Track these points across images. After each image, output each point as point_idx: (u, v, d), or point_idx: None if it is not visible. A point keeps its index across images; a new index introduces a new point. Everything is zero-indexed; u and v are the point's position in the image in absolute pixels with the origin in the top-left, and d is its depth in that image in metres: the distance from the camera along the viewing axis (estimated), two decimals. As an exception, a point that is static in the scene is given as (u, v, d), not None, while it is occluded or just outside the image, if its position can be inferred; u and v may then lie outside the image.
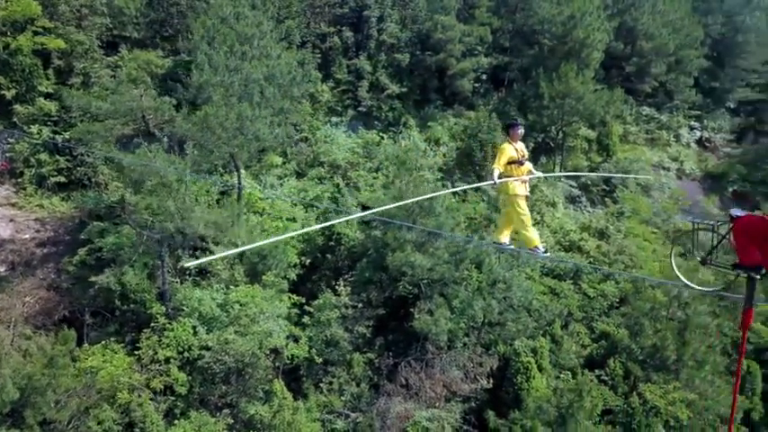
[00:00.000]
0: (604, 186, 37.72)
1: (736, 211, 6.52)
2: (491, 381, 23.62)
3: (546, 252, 10.41)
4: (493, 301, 23.48)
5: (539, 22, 39.19)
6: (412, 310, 24.21)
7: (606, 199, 36.64)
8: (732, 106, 48.18)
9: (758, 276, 6.35)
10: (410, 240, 23.50)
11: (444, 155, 35.90)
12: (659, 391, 22.42)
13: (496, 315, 23.87)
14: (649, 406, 22.51)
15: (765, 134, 44.59)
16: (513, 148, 10.01)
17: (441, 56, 37.08)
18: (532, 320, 24.78)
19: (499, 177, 9.72)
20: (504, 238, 10.23)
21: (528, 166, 10.24)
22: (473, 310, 23.48)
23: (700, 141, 44.87)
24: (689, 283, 8.51)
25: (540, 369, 23.81)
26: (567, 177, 38.82)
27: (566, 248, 31.08)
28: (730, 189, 41.75)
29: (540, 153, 39.61)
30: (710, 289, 10.25)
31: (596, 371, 23.83)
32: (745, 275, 6.44)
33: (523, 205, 9.99)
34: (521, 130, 10.20)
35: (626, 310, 27.14)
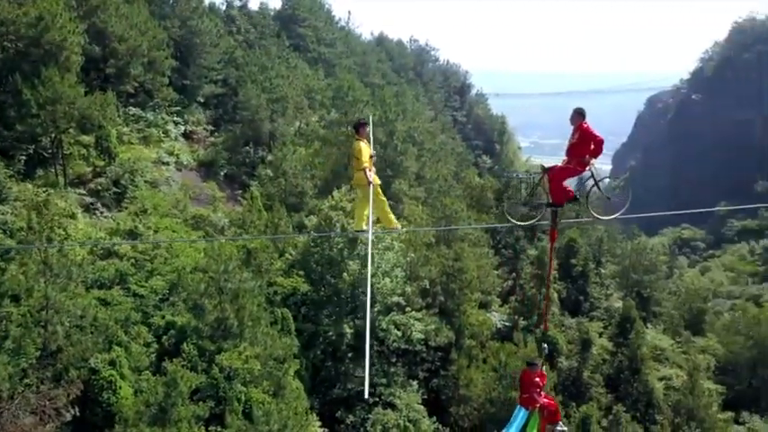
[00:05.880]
0: (116, 189, 37.65)
1: (548, 164, 9.82)
2: (76, 410, 21.91)
3: (402, 228, 12.58)
4: (58, 327, 21.61)
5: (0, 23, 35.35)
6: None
7: (122, 201, 36.80)
8: (202, 100, 54.05)
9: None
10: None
11: None
12: (234, 355, 25.22)
13: (62, 340, 22.07)
14: (228, 371, 25.14)
15: (234, 122, 52.02)
16: (367, 145, 11.24)
17: None
18: (99, 335, 23.84)
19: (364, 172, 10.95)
20: (366, 225, 11.19)
21: None
22: (34, 344, 21.10)
23: (186, 134, 49.10)
24: (515, 221, 12.68)
25: (123, 378, 23.41)
26: (72, 185, 37.10)
27: (102, 257, 30.33)
28: (221, 173, 47.55)
29: (35, 166, 36.47)
30: (528, 223, 13.35)
31: (174, 359, 24.83)
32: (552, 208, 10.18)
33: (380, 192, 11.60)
34: (369, 128, 11.46)
35: (179, 297, 28.67)
